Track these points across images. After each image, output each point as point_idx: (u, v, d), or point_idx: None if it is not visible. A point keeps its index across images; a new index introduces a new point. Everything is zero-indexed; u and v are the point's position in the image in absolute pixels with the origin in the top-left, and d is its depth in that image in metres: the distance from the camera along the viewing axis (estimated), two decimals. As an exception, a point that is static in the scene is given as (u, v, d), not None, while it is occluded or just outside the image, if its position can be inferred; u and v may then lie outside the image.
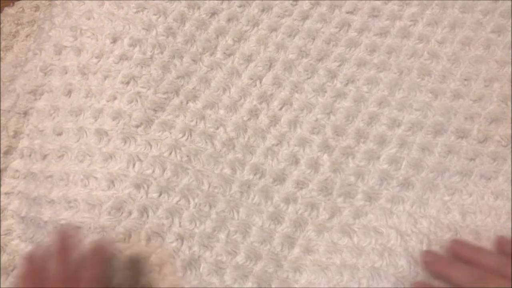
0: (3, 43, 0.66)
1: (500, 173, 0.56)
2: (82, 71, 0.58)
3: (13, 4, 0.69)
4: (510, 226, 0.53)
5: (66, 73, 0.59)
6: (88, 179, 0.53)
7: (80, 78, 0.58)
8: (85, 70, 0.58)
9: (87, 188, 0.53)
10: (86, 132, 0.55)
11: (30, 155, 0.57)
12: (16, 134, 0.59)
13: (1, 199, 0.57)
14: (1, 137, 0.58)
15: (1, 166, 0.58)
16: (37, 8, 0.68)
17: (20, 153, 0.58)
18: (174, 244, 0.52)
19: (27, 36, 0.67)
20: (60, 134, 0.56)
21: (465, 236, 0.53)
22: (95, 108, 0.57)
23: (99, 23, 0.60)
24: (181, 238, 0.52)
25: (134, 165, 0.54)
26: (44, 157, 0.56)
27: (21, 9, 0.68)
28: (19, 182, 0.57)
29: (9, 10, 0.68)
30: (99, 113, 0.56)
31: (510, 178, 0.56)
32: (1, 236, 0.55)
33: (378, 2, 0.63)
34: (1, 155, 0.58)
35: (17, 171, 0.58)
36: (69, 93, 0.58)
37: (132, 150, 0.55)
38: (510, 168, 0.56)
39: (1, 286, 0.54)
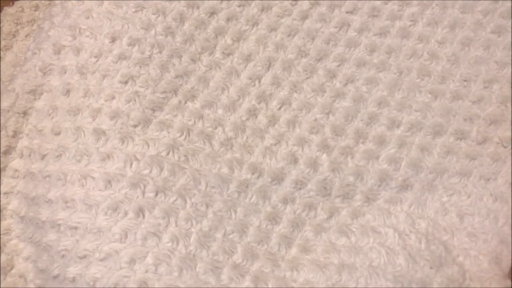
0: (2, 43, 0.66)
1: (500, 174, 0.56)
2: (81, 70, 0.58)
3: (13, 3, 0.69)
4: (508, 228, 0.53)
5: (65, 72, 0.59)
6: (85, 179, 0.53)
7: (79, 78, 0.58)
8: (84, 70, 0.58)
9: (84, 188, 0.53)
10: (84, 132, 0.55)
11: (29, 155, 0.57)
12: (16, 134, 0.59)
13: (1, 198, 0.57)
14: (1, 136, 0.58)
15: (1, 166, 0.58)
16: (36, 7, 0.68)
17: (20, 152, 0.58)
18: (170, 244, 0.52)
19: (26, 36, 0.67)
20: (58, 133, 0.56)
21: (462, 239, 0.53)
22: (93, 107, 0.56)
23: (98, 23, 0.60)
24: (177, 237, 0.52)
25: (131, 164, 0.54)
26: (43, 157, 0.56)
27: (20, 8, 0.68)
28: (18, 181, 0.57)
29: (8, 10, 0.68)
30: (97, 112, 0.56)
31: (509, 180, 0.56)
32: (1, 236, 0.55)
33: (378, 2, 0.63)
34: (1, 154, 0.58)
35: (16, 170, 0.58)
36: (67, 92, 0.58)
37: (130, 150, 0.55)
38: (510, 170, 0.56)
39: (1, 286, 0.54)
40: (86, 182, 0.53)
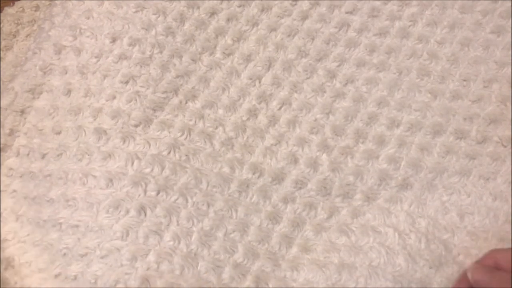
0: (3, 43, 0.66)
1: (499, 174, 0.56)
2: (82, 70, 0.58)
3: (13, 3, 0.69)
4: (508, 227, 0.53)
5: (66, 73, 0.59)
6: (86, 177, 0.53)
7: (80, 78, 0.58)
8: (85, 70, 0.58)
9: (85, 186, 0.53)
10: (85, 131, 0.55)
11: (28, 154, 0.57)
12: (12, 132, 0.58)
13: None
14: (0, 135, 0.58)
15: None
16: (37, 8, 0.68)
17: (16, 151, 0.57)
18: (171, 243, 0.51)
19: (27, 36, 0.67)
20: (59, 133, 0.56)
21: (463, 238, 0.53)
22: (94, 107, 0.57)
23: (98, 23, 0.60)
24: (178, 236, 0.52)
25: (132, 163, 0.54)
26: (43, 156, 0.56)
27: (21, 9, 0.68)
28: (12, 180, 0.57)
29: (9, 10, 0.68)
30: (98, 112, 0.56)
31: (509, 179, 0.56)
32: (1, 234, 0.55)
33: (378, 2, 0.63)
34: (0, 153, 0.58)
35: (11, 169, 0.57)
36: (68, 92, 0.58)
37: (131, 149, 0.55)
38: (510, 169, 0.56)
39: (1, 286, 0.54)
40: (87, 181, 0.53)
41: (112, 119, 0.56)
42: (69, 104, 0.57)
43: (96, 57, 0.58)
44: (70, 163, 0.54)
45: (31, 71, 0.59)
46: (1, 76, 0.63)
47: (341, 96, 0.60)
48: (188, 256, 0.51)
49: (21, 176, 0.57)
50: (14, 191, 0.56)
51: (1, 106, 0.59)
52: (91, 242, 0.51)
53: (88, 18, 0.60)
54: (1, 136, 0.58)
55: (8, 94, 0.59)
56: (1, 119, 0.58)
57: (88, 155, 0.54)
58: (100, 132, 0.55)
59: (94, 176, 0.53)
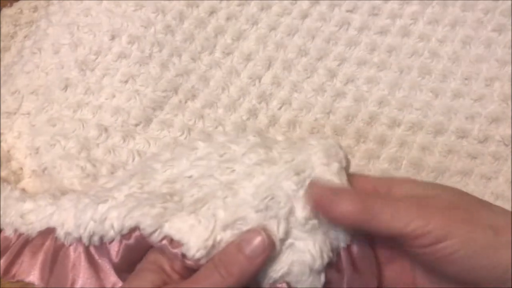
0: (1, 44, 0.66)
1: (501, 173, 0.56)
2: (81, 67, 0.58)
3: (11, 5, 0.68)
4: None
5: (62, 67, 0.58)
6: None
7: (77, 74, 0.57)
8: (83, 66, 0.57)
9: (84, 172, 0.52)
10: (83, 125, 0.55)
11: (30, 154, 0.56)
12: (20, 135, 0.58)
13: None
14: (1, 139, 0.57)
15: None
16: (35, 9, 0.67)
17: (23, 154, 0.57)
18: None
19: (25, 37, 0.66)
20: (54, 125, 0.55)
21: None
22: (93, 105, 0.56)
23: (97, 20, 0.59)
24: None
25: (133, 159, 0.54)
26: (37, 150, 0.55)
27: (19, 10, 0.67)
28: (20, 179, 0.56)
29: (7, 11, 0.67)
30: (98, 109, 0.56)
31: (510, 179, 0.56)
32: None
33: (378, 1, 0.62)
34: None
35: (21, 169, 0.56)
36: (65, 87, 0.57)
37: (132, 147, 0.54)
38: (511, 169, 0.56)
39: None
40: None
41: (111, 116, 0.55)
42: (66, 100, 0.56)
43: (94, 54, 0.58)
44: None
45: (33, 73, 0.59)
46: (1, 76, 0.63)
47: (341, 96, 0.59)
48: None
49: (30, 177, 0.56)
50: (23, 190, 0.56)
51: (10, 111, 0.58)
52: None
53: (87, 16, 0.59)
54: (11, 138, 0.57)
55: (16, 98, 0.58)
56: (11, 123, 0.58)
57: (87, 150, 0.54)
58: (101, 129, 0.54)
59: (94, 166, 0.53)
